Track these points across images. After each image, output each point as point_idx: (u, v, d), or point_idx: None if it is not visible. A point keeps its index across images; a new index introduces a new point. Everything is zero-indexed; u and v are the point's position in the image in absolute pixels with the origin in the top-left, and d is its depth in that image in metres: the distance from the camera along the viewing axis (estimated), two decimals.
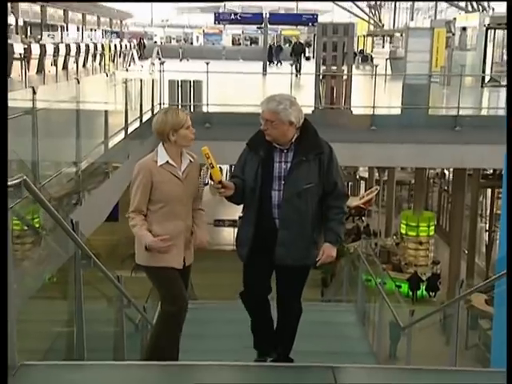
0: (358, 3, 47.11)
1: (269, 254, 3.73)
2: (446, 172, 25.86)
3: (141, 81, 11.07)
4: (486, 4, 26.85)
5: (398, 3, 49.23)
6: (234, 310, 8.46)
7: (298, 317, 4.08)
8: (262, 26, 29.28)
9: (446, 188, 25.78)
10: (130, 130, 9.53)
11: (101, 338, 5.28)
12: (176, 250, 3.71)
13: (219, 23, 34.88)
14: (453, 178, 21.04)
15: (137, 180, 3.67)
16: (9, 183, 2.47)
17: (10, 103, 7.72)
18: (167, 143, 3.69)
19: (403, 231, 21.86)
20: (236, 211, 27.03)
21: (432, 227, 21.99)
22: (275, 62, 32.52)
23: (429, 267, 20.85)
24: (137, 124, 10.15)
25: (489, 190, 22.33)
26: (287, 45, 33.92)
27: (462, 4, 31.31)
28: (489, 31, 20.80)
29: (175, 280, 3.74)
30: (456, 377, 3.22)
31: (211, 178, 3.60)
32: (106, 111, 8.31)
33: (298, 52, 24.84)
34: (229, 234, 25.19)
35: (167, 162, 3.68)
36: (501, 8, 27.78)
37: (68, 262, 3.99)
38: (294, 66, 22.84)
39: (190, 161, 3.77)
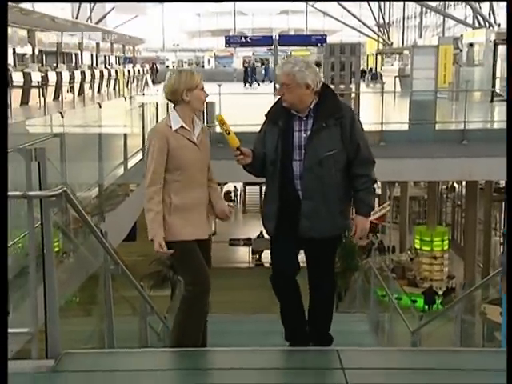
0: (367, 22, 47.70)
1: (295, 228, 3.54)
2: (456, 186, 26.03)
3: (156, 104, 11.47)
4: (492, 20, 27.19)
5: (406, 22, 49.75)
6: (250, 322, 8.78)
7: (331, 294, 3.82)
8: (272, 47, 29.79)
9: (459, 203, 25.93)
10: None
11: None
12: (200, 220, 3.56)
13: (230, 46, 35.48)
14: (465, 192, 21.20)
15: (151, 147, 3.48)
16: (51, 193, 2.83)
17: (32, 129, 8.13)
18: (180, 105, 3.53)
19: (417, 246, 22.01)
20: (251, 230, 27.36)
21: (446, 242, 22.12)
22: (250, 83, 33.13)
23: (444, 282, 20.95)
24: None
25: (502, 204, 22.44)
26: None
27: (469, 21, 31.67)
28: (496, 47, 21.10)
29: (199, 261, 3.57)
30: (460, 356, 3.43)
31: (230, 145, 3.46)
32: (125, 134, 8.67)
33: None
34: (244, 254, 25.49)
35: (182, 126, 3.51)
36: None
37: (94, 275, 4.30)
38: None
39: (202, 127, 3.63)
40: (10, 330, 3.36)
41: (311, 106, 3.54)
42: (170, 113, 3.57)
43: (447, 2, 37.18)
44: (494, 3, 27.88)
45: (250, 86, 32.72)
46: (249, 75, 33.79)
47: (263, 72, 36.39)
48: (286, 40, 33.14)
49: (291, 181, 3.52)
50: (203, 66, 55.92)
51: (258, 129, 3.73)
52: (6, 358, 2.32)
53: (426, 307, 18.78)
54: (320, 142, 3.47)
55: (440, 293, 19.42)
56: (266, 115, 3.68)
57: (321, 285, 3.69)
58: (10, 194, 2.80)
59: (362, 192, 3.56)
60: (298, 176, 3.51)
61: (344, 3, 45.21)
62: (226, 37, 33.42)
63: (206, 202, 3.62)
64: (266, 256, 24.26)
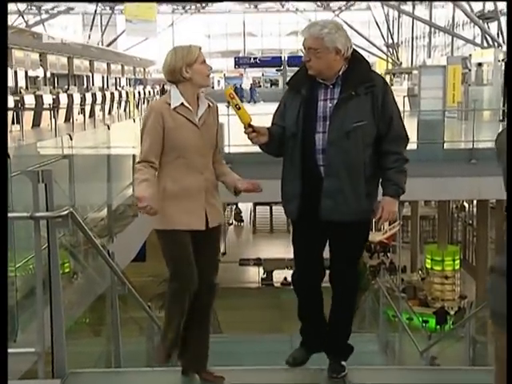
0: (376, 42, 47.98)
1: (317, 210, 3.12)
2: (466, 205, 25.92)
3: None
4: (500, 40, 27.28)
5: (415, 42, 49.99)
6: (259, 342, 8.77)
7: (354, 289, 3.32)
8: (281, 68, 30.06)
9: (470, 222, 25.82)
10: None
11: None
12: (197, 209, 3.13)
13: (239, 67, 35.87)
14: (476, 211, 21.11)
15: (146, 124, 3.14)
16: (56, 214, 2.88)
17: (43, 151, 8.24)
18: (182, 83, 3.16)
19: (428, 266, 21.91)
20: (261, 250, 27.34)
21: (457, 261, 22.00)
22: (249, 102, 33.49)
23: (456, 302, 20.80)
24: None
25: None
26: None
27: (478, 41, 31.79)
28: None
29: (185, 257, 3.17)
30: (466, 375, 3.45)
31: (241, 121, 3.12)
32: (133, 155, 8.73)
33: None
34: (254, 274, 25.48)
35: (182, 104, 3.14)
36: None
37: (103, 296, 4.33)
38: None
39: (209, 105, 3.23)
40: (16, 350, 3.42)
41: (340, 73, 3.16)
42: (170, 89, 3.22)
43: (455, 23, 37.34)
44: (503, 24, 28.00)
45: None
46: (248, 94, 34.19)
47: (249, 92, 36.76)
48: (295, 60, 33.43)
49: (313, 155, 3.12)
50: (213, 87, 56.34)
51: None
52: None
53: (438, 327, 18.64)
54: (347, 112, 3.07)
55: (452, 313, 19.28)
56: (287, 83, 3.33)
57: (341, 276, 3.23)
58: (16, 215, 2.86)
59: (391, 170, 3.12)
60: (321, 150, 3.11)
61: (352, 24, 45.56)
62: (235, 58, 33.89)
63: (208, 189, 3.20)
64: (278, 277, 24.24)
